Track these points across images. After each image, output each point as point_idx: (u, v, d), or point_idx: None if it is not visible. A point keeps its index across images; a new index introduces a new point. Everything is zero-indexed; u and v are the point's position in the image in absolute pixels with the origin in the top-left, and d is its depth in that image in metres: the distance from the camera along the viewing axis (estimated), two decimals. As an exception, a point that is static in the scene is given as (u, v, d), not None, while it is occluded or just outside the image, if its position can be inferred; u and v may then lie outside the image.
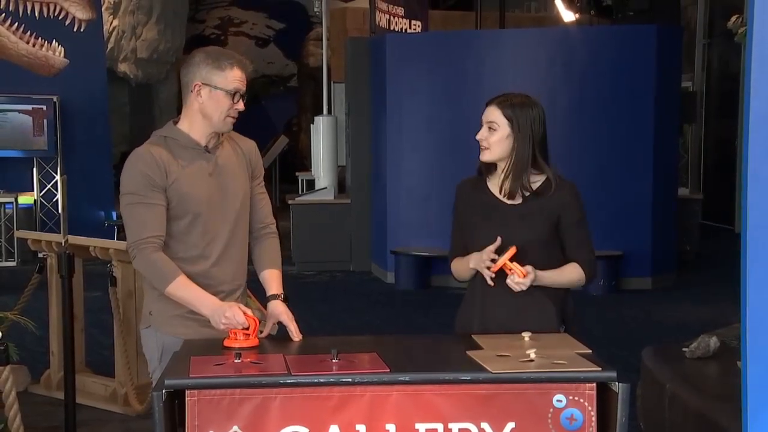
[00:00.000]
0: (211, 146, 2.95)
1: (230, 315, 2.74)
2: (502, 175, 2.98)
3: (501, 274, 2.89)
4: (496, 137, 2.94)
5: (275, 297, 2.99)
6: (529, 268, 2.86)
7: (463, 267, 3.03)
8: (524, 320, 2.88)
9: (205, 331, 2.87)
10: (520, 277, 2.84)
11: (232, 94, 2.88)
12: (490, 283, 2.89)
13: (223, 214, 2.95)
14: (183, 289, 2.82)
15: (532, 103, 2.97)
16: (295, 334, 2.86)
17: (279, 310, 2.93)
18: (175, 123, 2.98)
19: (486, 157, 2.98)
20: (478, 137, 2.98)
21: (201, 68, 2.88)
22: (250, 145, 3.10)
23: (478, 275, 2.99)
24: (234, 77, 2.88)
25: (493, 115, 2.95)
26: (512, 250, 2.84)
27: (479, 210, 3.00)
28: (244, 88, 2.93)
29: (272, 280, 3.05)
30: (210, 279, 2.93)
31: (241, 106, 2.92)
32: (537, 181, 2.97)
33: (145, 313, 3.02)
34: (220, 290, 2.94)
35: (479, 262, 2.90)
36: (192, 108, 2.92)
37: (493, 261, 2.87)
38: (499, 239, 2.88)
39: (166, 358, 2.81)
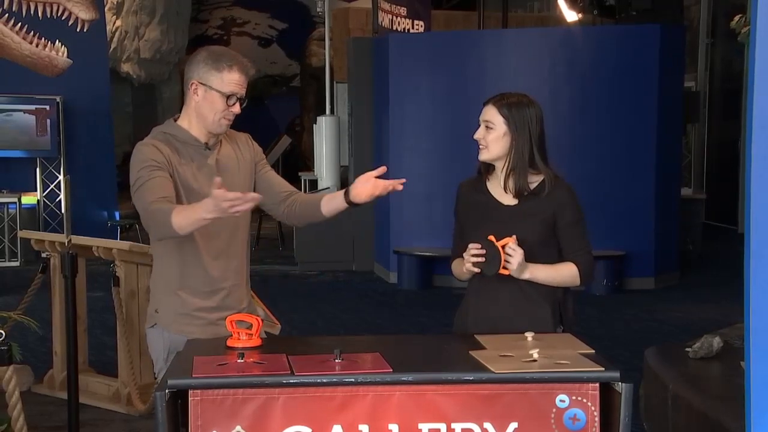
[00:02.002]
0: (211, 143, 2.95)
1: (228, 203, 2.49)
2: (503, 175, 2.98)
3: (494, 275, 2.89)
4: (492, 136, 2.95)
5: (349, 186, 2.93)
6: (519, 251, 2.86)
7: (461, 267, 3.02)
8: (519, 320, 2.89)
9: (211, 329, 2.88)
10: (513, 242, 2.83)
11: (227, 97, 2.86)
12: (472, 268, 2.88)
13: None
14: (181, 215, 2.64)
15: (528, 102, 2.97)
16: (398, 183, 2.86)
17: (363, 176, 2.89)
18: (176, 120, 2.97)
19: (484, 156, 2.99)
20: (475, 137, 2.99)
21: (200, 67, 2.87)
22: (244, 136, 3.10)
23: (476, 275, 2.99)
24: (231, 80, 2.86)
25: (490, 114, 2.96)
26: (509, 240, 2.85)
27: (477, 210, 3.01)
28: (243, 92, 2.90)
29: (332, 194, 2.99)
30: (211, 275, 2.93)
31: (236, 109, 2.89)
32: (534, 181, 2.98)
33: (150, 311, 3.01)
34: (221, 287, 2.94)
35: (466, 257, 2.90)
36: (189, 106, 2.92)
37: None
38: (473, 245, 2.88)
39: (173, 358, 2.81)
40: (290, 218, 3.10)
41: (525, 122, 2.93)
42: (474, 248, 2.86)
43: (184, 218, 2.64)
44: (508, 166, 2.96)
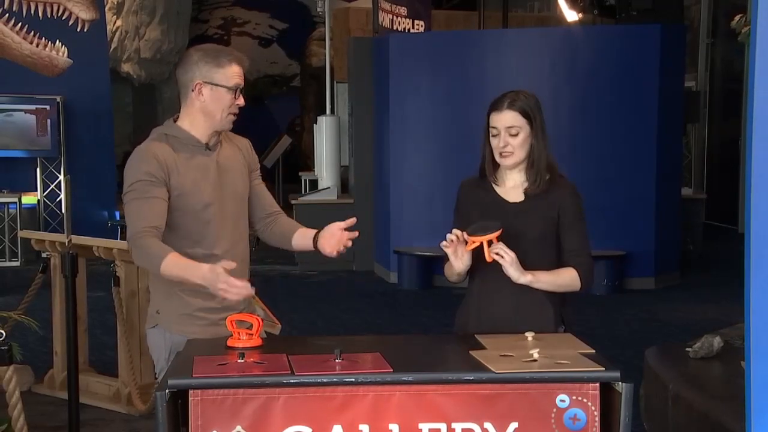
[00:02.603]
0: (211, 144, 2.96)
1: (224, 285, 2.64)
2: (520, 174, 2.97)
3: (496, 274, 2.88)
4: (519, 140, 2.92)
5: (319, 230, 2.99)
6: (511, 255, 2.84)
7: (453, 268, 2.97)
8: (521, 320, 2.88)
9: (212, 330, 2.88)
10: (503, 249, 2.80)
11: (234, 90, 2.89)
12: (445, 243, 2.87)
13: (226, 212, 2.96)
14: (173, 264, 2.74)
15: (530, 94, 2.97)
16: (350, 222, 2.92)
17: (337, 225, 2.95)
18: (175, 120, 2.98)
19: (511, 161, 2.94)
20: (501, 145, 2.92)
21: (201, 67, 2.88)
22: (245, 142, 3.13)
23: (476, 275, 2.99)
24: (234, 73, 2.89)
25: (510, 119, 2.91)
26: (496, 234, 2.81)
27: (480, 207, 3.00)
28: (243, 84, 2.95)
29: (306, 230, 3.06)
30: None
31: (242, 101, 2.93)
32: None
33: (151, 312, 3.01)
34: None
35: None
36: (193, 107, 2.92)
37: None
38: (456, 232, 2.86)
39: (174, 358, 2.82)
40: (264, 235, 3.17)
41: (539, 115, 2.94)
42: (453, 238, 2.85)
43: (173, 273, 2.75)
44: (528, 165, 2.95)
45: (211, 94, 2.88)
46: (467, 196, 3.06)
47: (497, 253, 2.81)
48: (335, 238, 2.94)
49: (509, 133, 2.92)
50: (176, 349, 2.84)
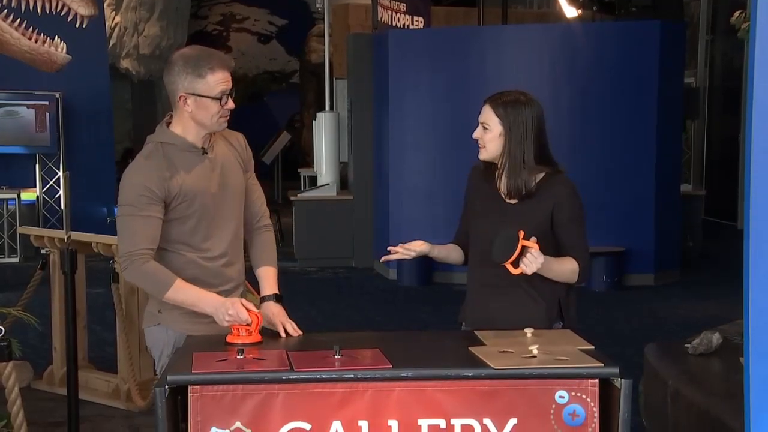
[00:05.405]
0: (206, 146, 2.94)
1: (234, 313, 2.73)
2: (498, 174, 2.98)
3: (490, 270, 2.88)
4: (489, 136, 2.94)
5: (269, 298, 2.97)
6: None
7: (454, 254, 3.07)
8: (511, 314, 2.91)
9: (215, 327, 2.87)
10: (536, 249, 2.79)
11: (220, 98, 2.83)
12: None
13: (226, 212, 2.95)
14: (181, 291, 2.80)
15: (526, 101, 2.94)
16: (292, 331, 2.86)
17: (272, 311, 2.92)
18: (168, 125, 2.94)
19: (483, 155, 2.99)
20: (474, 136, 2.99)
21: (182, 78, 2.81)
22: (239, 137, 3.08)
23: (476, 272, 2.99)
24: (217, 81, 2.82)
25: (486, 114, 2.95)
26: (534, 245, 2.80)
27: (481, 200, 3.03)
28: (230, 86, 2.86)
29: (268, 278, 3.04)
30: (216, 278, 2.93)
31: (231, 105, 2.86)
32: (535, 179, 2.97)
33: (152, 311, 2.99)
34: (224, 288, 2.95)
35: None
36: (182, 115, 2.88)
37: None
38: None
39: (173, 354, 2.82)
40: (245, 245, 3.15)
41: (519, 122, 2.90)
42: None
43: (180, 296, 2.81)
44: (503, 166, 2.95)
45: (196, 105, 2.83)
46: (474, 184, 3.09)
47: (525, 265, 2.78)
48: (272, 317, 2.89)
49: (483, 126, 2.96)
50: (179, 345, 2.84)
